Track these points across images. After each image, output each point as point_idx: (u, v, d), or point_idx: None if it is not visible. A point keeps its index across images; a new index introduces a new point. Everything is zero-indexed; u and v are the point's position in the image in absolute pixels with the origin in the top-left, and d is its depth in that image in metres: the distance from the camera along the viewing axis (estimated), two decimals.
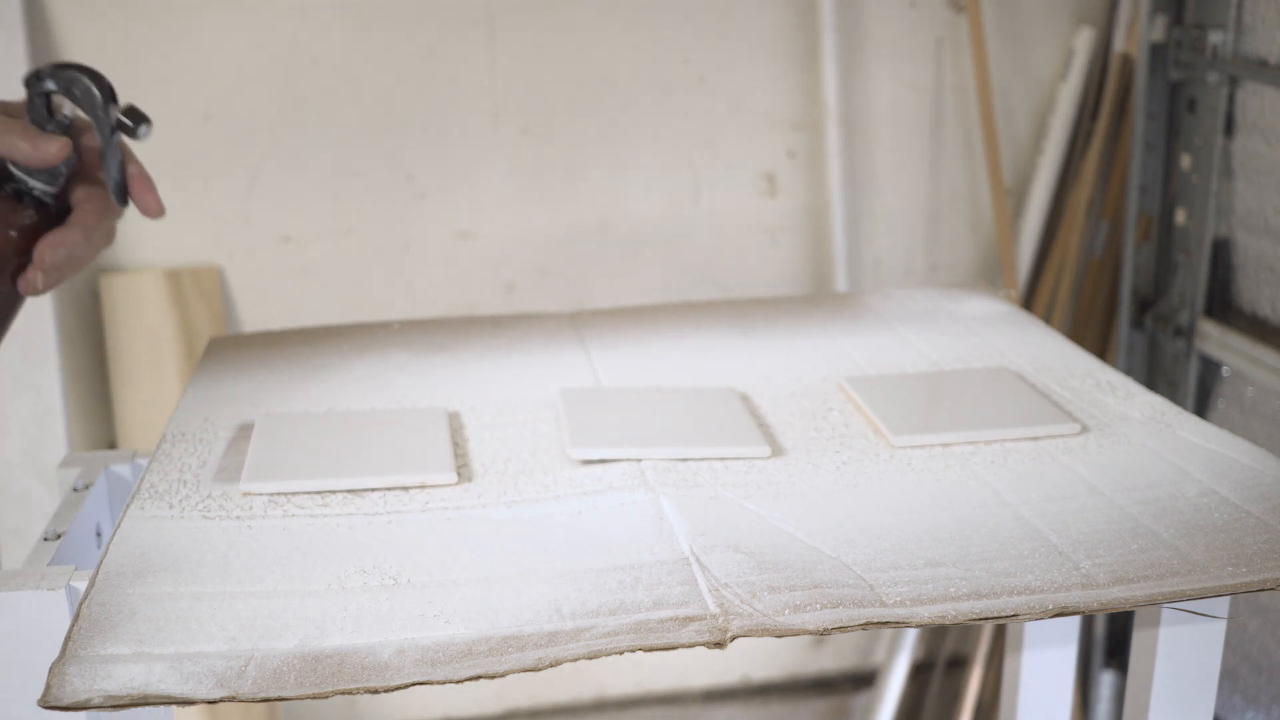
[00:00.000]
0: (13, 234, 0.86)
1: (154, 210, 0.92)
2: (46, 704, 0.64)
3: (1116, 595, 0.74)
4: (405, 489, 0.88)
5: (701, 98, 1.99)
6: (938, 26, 2.02)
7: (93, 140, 0.91)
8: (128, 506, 0.85)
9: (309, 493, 0.87)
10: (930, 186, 2.09)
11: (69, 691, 0.65)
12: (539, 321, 1.22)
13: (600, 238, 2.02)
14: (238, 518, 0.84)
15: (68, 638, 0.69)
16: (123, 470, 0.98)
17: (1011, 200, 2.10)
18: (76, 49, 1.81)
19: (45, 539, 0.85)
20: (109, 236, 0.91)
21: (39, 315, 1.80)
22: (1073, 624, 1.13)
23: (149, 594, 0.74)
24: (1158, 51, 1.76)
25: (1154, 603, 0.74)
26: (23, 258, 0.87)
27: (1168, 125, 1.80)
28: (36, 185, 0.88)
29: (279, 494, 0.87)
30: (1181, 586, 0.75)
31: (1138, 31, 1.82)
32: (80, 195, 0.90)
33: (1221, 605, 0.84)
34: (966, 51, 2.02)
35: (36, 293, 0.87)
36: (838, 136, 2.00)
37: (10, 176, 0.87)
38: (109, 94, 0.89)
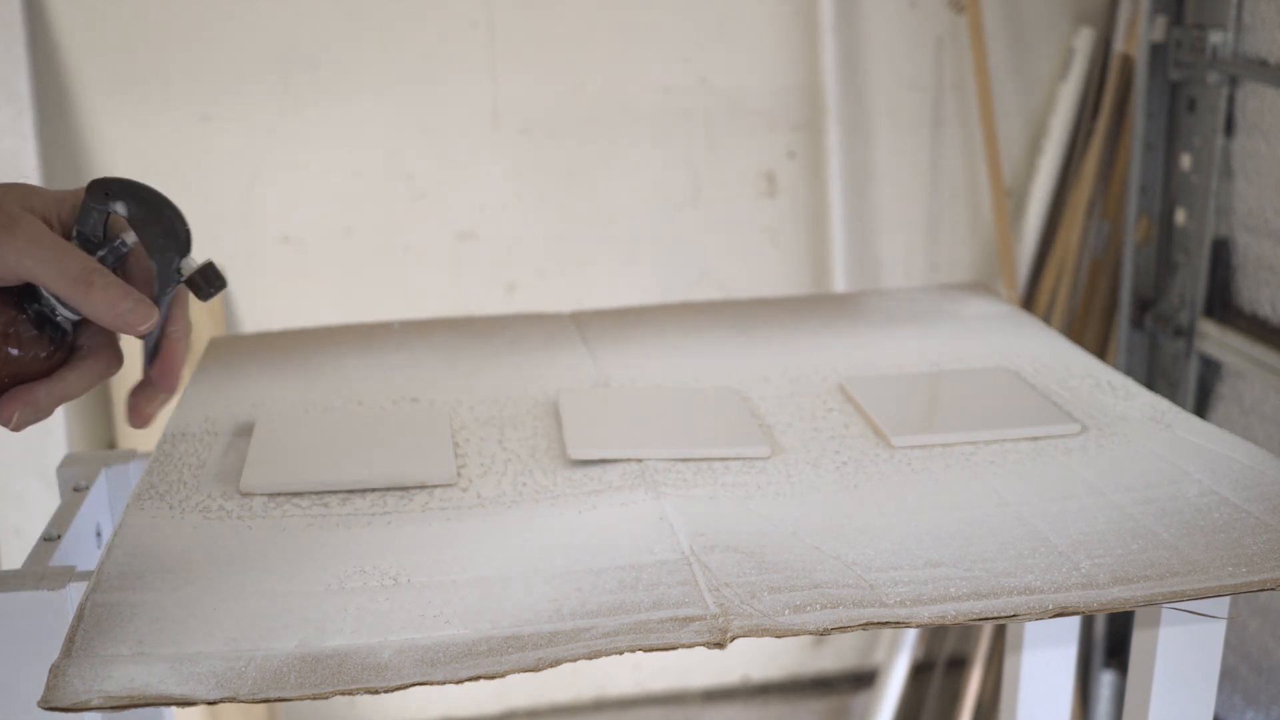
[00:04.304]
0: (14, 352, 0.73)
1: (170, 388, 0.77)
2: (46, 704, 0.64)
3: (1116, 595, 0.74)
4: (405, 489, 0.88)
5: (701, 98, 1.99)
6: (938, 26, 2.02)
7: (146, 275, 0.76)
8: (128, 506, 0.85)
9: (308, 493, 0.87)
10: (930, 186, 2.09)
11: (69, 692, 0.65)
12: (539, 321, 1.22)
13: (600, 238, 2.03)
14: (238, 518, 0.84)
15: (68, 638, 0.69)
16: (123, 470, 0.97)
17: (1011, 200, 2.10)
18: (76, 49, 1.81)
19: (45, 539, 0.85)
20: (90, 388, 0.77)
21: None
22: (1073, 624, 1.13)
23: (149, 594, 0.74)
24: (1158, 51, 1.76)
25: (1154, 603, 0.74)
26: (14, 380, 0.74)
27: (1168, 125, 1.80)
28: (62, 313, 0.74)
29: (278, 494, 0.87)
30: (1181, 586, 0.75)
31: (1138, 31, 1.82)
32: (87, 341, 0.76)
33: (1221, 605, 0.84)
34: (966, 51, 2.02)
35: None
36: (838, 136, 2.00)
37: (38, 297, 0.74)
38: (185, 241, 0.75)
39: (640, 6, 1.94)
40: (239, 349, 1.16)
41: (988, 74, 1.96)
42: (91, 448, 1.94)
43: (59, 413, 1.82)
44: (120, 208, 0.74)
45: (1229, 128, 1.71)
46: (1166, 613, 0.85)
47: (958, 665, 2.15)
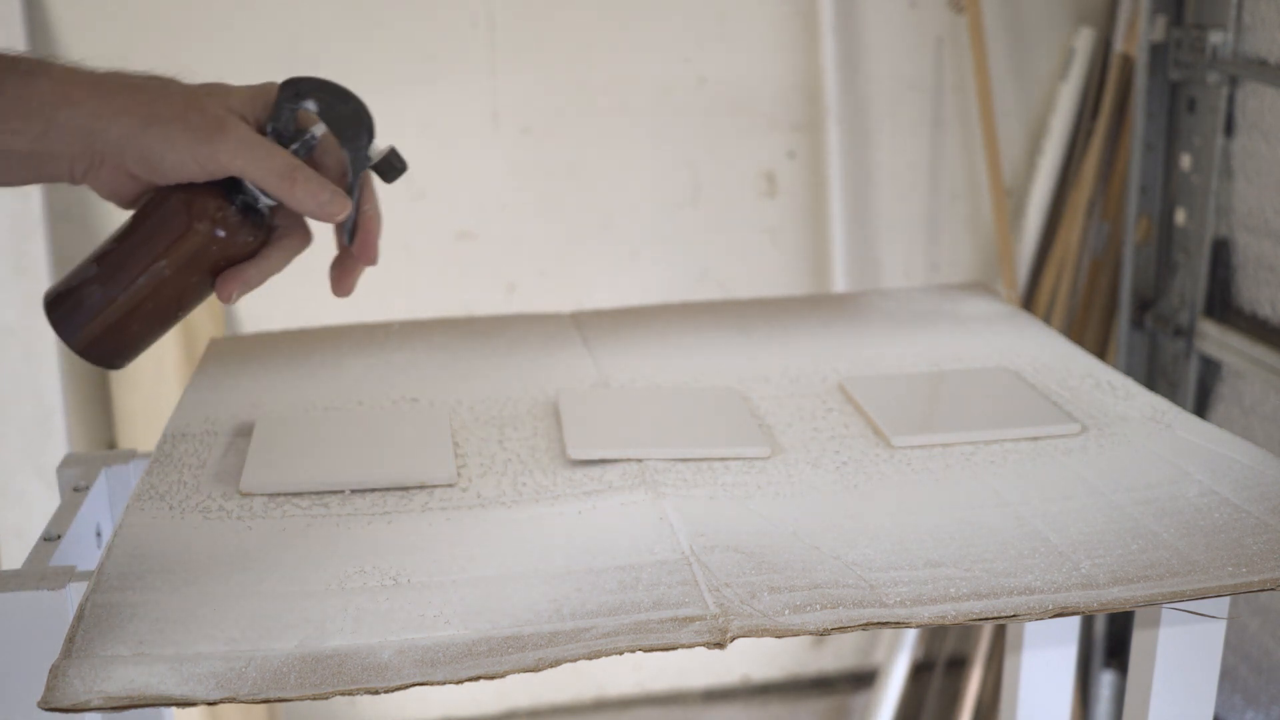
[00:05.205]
0: (220, 233, 0.81)
1: (371, 259, 0.87)
2: (47, 705, 0.64)
3: (1116, 595, 0.74)
4: (405, 489, 0.88)
5: (701, 98, 1.99)
6: (938, 26, 2.02)
7: (331, 161, 0.84)
8: (128, 506, 0.85)
9: (308, 493, 0.87)
10: (930, 186, 2.09)
11: (69, 693, 0.65)
12: (539, 321, 1.22)
13: (600, 238, 2.02)
14: (238, 518, 0.84)
15: (68, 638, 0.69)
16: (123, 470, 0.97)
17: (1011, 200, 2.10)
18: (76, 49, 1.81)
19: (45, 539, 0.85)
20: (288, 263, 0.87)
21: (39, 315, 1.80)
22: (1073, 624, 1.13)
23: (149, 595, 0.74)
24: (1158, 51, 1.76)
25: (1154, 603, 0.74)
26: (227, 262, 0.82)
27: (1168, 125, 1.80)
28: (264, 201, 0.82)
29: (278, 494, 0.87)
30: (1181, 586, 0.75)
31: (1138, 31, 1.82)
32: (282, 221, 0.85)
33: (1221, 605, 0.84)
34: (966, 51, 2.02)
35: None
36: (838, 136, 2.00)
37: (243, 188, 0.82)
38: (371, 130, 0.83)
39: (640, 6, 1.94)
40: (239, 349, 1.16)
41: (988, 74, 1.96)
42: (91, 448, 1.94)
43: (59, 413, 1.82)
44: (311, 104, 0.82)
45: (1229, 128, 1.71)
46: (1166, 613, 0.85)
47: (958, 665, 2.15)
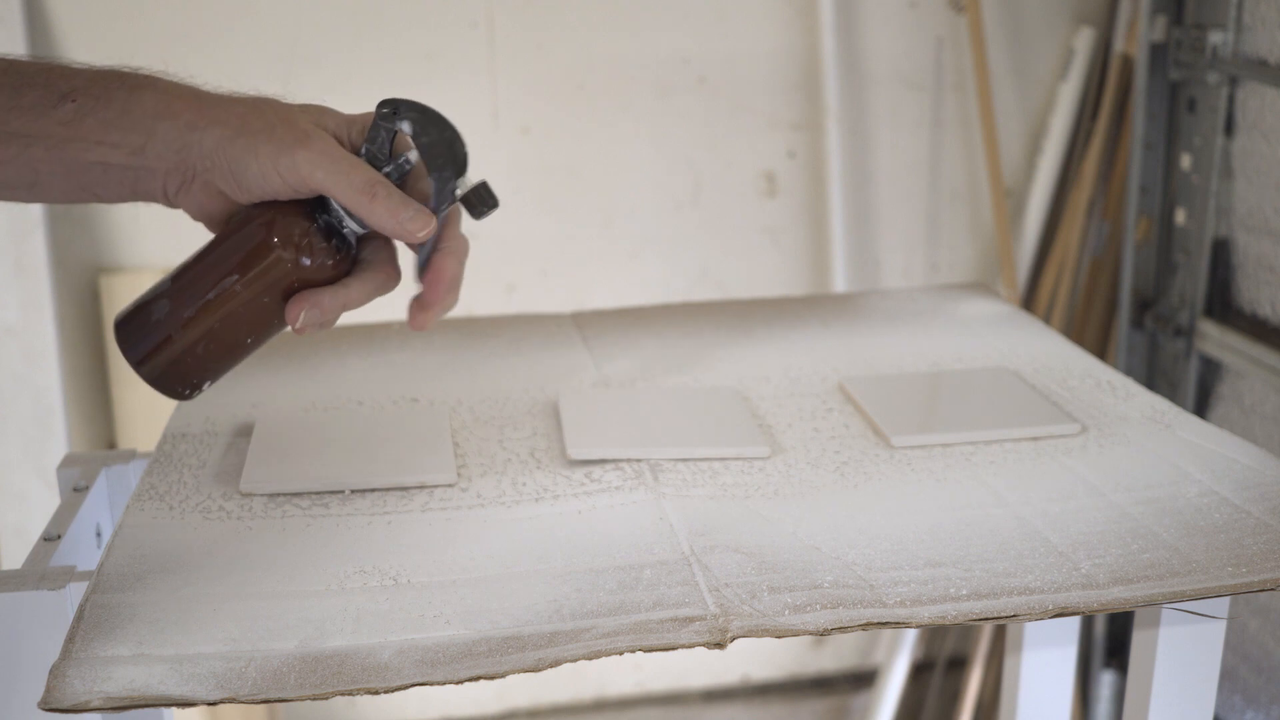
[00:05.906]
0: (305, 260, 0.78)
1: (437, 299, 0.80)
2: (46, 705, 0.64)
3: (1116, 595, 0.74)
4: (405, 489, 0.88)
5: (701, 98, 1.99)
6: (938, 26, 2.02)
7: (424, 188, 0.81)
8: (128, 507, 0.85)
9: (308, 493, 0.87)
10: (930, 186, 2.09)
11: (69, 694, 0.65)
12: (539, 321, 1.22)
13: (600, 238, 2.02)
14: (237, 518, 0.84)
15: (68, 639, 0.69)
16: (123, 470, 0.97)
17: (1011, 200, 2.10)
18: (76, 49, 1.81)
19: (45, 539, 0.85)
20: (369, 300, 0.82)
21: (39, 315, 1.80)
22: (1073, 624, 1.13)
23: (149, 595, 0.74)
24: (1158, 51, 1.76)
25: (1154, 603, 0.74)
26: (303, 285, 0.78)
27: (1168, 125, 1.80)
28: (349, 225, 0.79)
29: (278, 494, 0.87)
30: (1181, 586, 0.75)
31: (1138, 31, 1.82)
32: (369, 256, 0.81)
33: (1221, 605, 0.84)
34: (966, 51, 2.02)
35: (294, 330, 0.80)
36: (838, 136, 2.00)
37: (328, 209, 0.79)
38: (464, 162, 0.80)
39: (640, 7, 1.94)
40: None
41: (988, 74, 1.96)
42: (91, 448, 1.94)
43: (59, 413, 1.82)
44: (405, 126, 0.80)
45: (1229, 128, 1.70)
46: (1166, 613, 0.85)
47: (958, 665, 2.15)
